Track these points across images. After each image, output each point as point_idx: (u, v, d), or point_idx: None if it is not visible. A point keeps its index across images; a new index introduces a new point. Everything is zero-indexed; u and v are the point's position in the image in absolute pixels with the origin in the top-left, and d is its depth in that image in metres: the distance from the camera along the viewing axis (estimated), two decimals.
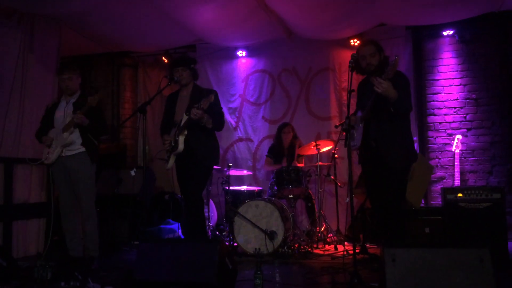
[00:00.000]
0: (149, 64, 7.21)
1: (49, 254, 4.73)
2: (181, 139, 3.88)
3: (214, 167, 5.23)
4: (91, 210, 4.21)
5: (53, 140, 4.20)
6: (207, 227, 5.54)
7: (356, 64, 3.63)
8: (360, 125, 3.67)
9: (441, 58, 6.10)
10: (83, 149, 4.16)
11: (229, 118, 6.71)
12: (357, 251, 4.73)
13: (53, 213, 5.23)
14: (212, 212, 5.92)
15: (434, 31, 6.06)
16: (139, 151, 7.01)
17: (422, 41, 6.18)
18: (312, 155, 6.02)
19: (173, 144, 3.95)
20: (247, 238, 4.75)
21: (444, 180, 6.00)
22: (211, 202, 5.92)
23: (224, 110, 6.63)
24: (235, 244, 4.83)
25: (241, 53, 6.70)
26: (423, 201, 5.80)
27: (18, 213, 4.91)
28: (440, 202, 5.46)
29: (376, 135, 3.57)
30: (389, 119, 3.53)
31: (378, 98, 3.37)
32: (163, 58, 6.72)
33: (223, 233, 5.70)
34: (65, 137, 4.11)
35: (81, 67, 6.97)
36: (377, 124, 3.58)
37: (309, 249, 4.88)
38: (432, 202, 6.02)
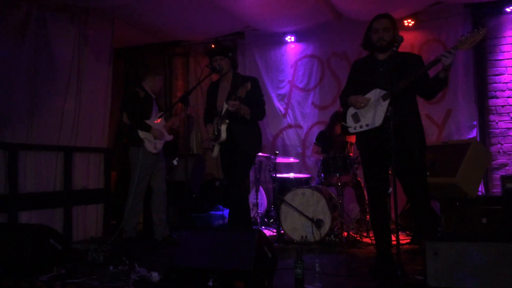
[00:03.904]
0: (200, 53, 7.26)
1: (104, 238, 5.00)
2: (223, 128, 3.91)
3: (262, 154, 5.24)
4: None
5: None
6: (257, 214, 5.58)
7: (365, 39, 3.38)
8: (382, 103, 3.21)
9: (504, 37, 5.67)
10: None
11: (278, 104, 6.67)
12: (408, 241, 4.61)
13: (111, 199, 5.58)
14: (262, 199, 5.94)
15: (496, 8, 5.64)
16: (191, 139, 7.16)
17: (482, 19, 5.74)
18: None
19: (216, 133, 3.99)
20: (293, 226, 4.74)
21: (506, 167, 5.62)
22: (260, 189, 5.95)
23: (273, 96, 6.67)
24: (282, 231, 4.83)
25: (289, 38, 6.60)
26: (483, 190, 5.49)
27: (78, 199, 5.21)
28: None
29: (396, 117, 3.08)
30: (412, 99, 3.33)
31: (423, 73, 3.12)
32: (212, 46, 6.76)
33: (271, 220, 5.72)
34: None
35: (134, 58, 7.28)
36: (400, 103, 3.18)
37: (358, 238, 4.79)
38: (493, 191, 5.67)
